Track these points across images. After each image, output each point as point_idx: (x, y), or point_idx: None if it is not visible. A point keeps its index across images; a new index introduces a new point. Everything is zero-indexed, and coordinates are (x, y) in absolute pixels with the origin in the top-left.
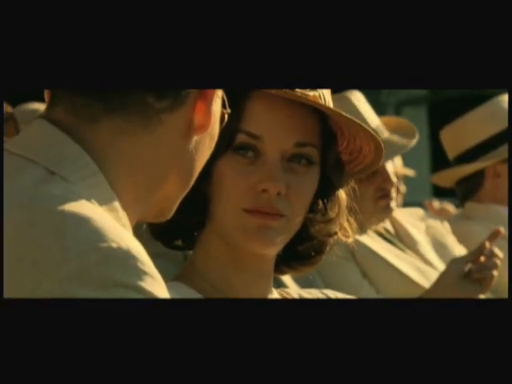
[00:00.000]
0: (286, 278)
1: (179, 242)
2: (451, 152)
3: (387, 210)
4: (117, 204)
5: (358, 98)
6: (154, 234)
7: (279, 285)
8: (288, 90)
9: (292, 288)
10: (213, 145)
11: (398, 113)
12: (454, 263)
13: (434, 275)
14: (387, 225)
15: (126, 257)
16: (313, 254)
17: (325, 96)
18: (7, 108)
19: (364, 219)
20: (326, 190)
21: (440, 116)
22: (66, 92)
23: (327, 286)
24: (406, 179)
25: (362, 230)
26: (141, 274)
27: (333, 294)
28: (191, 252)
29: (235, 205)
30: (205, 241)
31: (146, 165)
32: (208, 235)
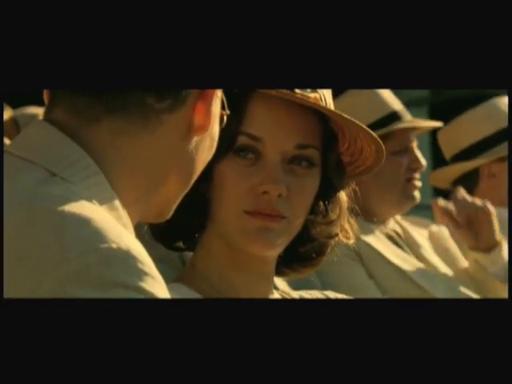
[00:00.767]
0: (278, 280)
1: (180, 244)
2: (448, 152)
3: (412, 199)
4: (117, 203)
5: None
6: (155, 235)
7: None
8: (289, 92)
9: (284, 290)
10: (214, 145)
11: None
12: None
13: (438, 279)
14: (397, 228)
15: (127, 257)
16: (314, 255)
17: (326, 97)
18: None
19: (384, 209)
20: (326, 192)
21: (441, 117)
22: (66, 93)
23: (333, 287)
24: None
25: (379, 220)
26: (141, 274)
27: (333, 295)
28: (191, 255)
29: (236, 206)
30: (206, 242)
31: (147, 165)
32: (209, 237)
